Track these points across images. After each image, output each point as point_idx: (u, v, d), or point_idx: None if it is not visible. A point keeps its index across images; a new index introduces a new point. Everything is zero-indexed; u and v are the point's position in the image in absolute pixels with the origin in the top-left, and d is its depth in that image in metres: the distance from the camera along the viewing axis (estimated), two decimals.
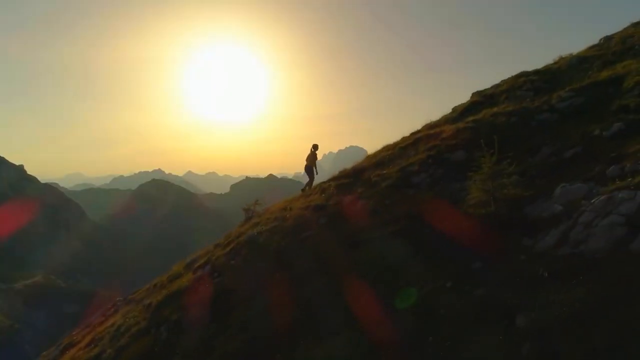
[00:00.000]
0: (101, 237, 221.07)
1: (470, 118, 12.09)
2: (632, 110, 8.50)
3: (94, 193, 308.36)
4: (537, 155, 8.81)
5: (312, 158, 15.19)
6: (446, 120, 14.24)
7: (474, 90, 15.58)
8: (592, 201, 6.23)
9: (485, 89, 15.01)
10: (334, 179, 12.81)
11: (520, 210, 7.05)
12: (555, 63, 14.80)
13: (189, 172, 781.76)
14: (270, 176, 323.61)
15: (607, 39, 14.41)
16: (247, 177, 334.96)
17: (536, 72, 14.07)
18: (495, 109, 11.89)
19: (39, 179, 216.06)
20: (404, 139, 13.87)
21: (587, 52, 14.14)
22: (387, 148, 13.66)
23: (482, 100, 14.05)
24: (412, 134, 14.08)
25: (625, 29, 14.39)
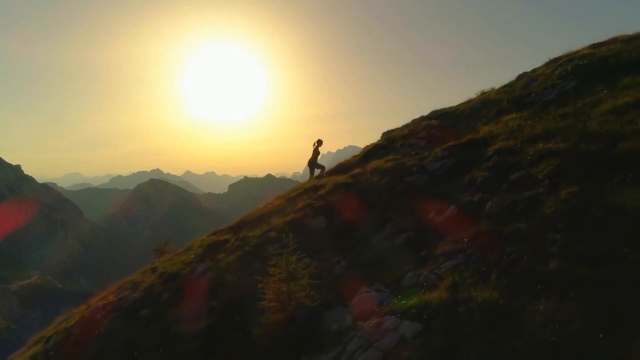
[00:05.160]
0: (99, 237, 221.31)
1: (356, 171, 11.39)
2: (476, 188, 7.76)
3: (92, 193, 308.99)
4: (380, 234, 8.10)
5: (313, 153, 15.42)
6: (350, 163, 13.57)
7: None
8: (366, 324, 5.52)
9: (393, 129, 14.31)
10: (213, 233, 12.13)
11: (318, 318, 6.35)
12: (468, 102, 14.07)
13: (188, 171, 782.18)
14: (269, 176, 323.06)
15: (520, 77, 13.63)
16: (245, 177, 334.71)
17: (442, 114, 13.34)
18: (379, 162, 11.19)
19: (37, 178, 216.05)
20: (300, 185, 13.21)
21: (497, 92, 13.38)
22: (279, 197, 13.01)
23: (385, 144, 13.34)
24: (307, 182, 13.44)
25: (539, 67, 13.60)
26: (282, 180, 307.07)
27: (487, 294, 4.92)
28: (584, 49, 12.91)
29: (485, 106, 12.36)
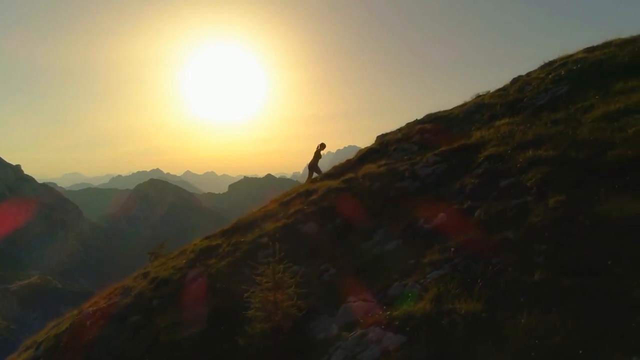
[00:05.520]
0: (99, 237, 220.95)
1: (348, 176, 11.35)
2: (466, 195, 7.72)
3: (92, 193, 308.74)
4: (370, 240, 8.07)
5: (314, 156, 15.63)
6: (344, 166, 13.55)
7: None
8: (350, 335, 5.49)
9: (387, 133, 14.28)
10: (206, 237, 12.10)
11: (304, 327, 6.32)
12: (463, 105, 14.03)
13: (188, 171, 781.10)
14: (269, 176, 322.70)
15: (514, 81, 13.59)
16: (245, 177, 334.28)
17: (436, 118, 13.30)
18: (372, 167, 11.16)
19: (37, 178, 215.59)
20: (294, 189, 13.18)
21: (492, 96, 13.34)
22: (274, 201, 12.97)
23: (379, 148, 13.31)
24: (302, 186, 13.40)
25: (534, 71, 13.55)
26: (282, 180, 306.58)
27: (471, 306, 4.89)
28: (578, 52, 12.86)
29: (479, 110, 12.32)
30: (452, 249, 6.13)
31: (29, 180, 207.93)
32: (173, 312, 8.33)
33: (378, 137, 14.52)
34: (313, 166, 15.60)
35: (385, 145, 13.10)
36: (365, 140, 14.16)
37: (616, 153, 6.52)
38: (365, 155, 13.39)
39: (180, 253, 12.32)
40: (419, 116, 14.75)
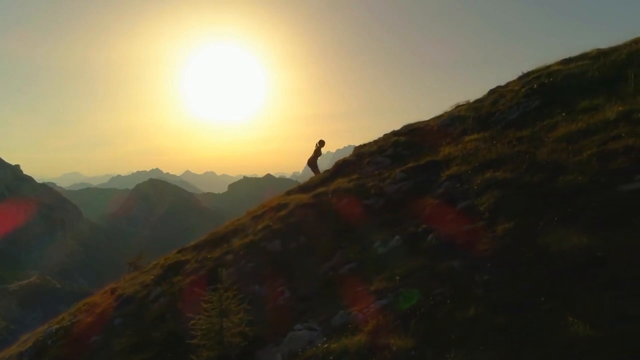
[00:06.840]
0: (98, 237, 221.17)
1: (320, 190, 11.28)
2: (424, 216, 7.65)
3: (91, 192, 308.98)
4: (328, 262, 8.00)
5: (314, 153, 15.86)
6: (321, 178, 13.49)
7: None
8: None
9: (364, 144, 14.20)
10: (179, 251, 12.04)
11: (250, 356, 6.25)
12: (440, 116, 13.95)
13: (187, 171, 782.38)
14: (268, 176, 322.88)
15: (491, 92, 13.51)
16: (244, 176, 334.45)
17: (412, 130, 13.22)
18: (343, 181, 11.09)
19: (36, 178, 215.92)
20: (270, 201, 13.11)
21: (468, 108, 13.25)
22: (249, 212, 12.91)
23: (354, 160, 13.23)
24: (281, 196, 13.33)
25: (511, 82, 13.47)
26: (282, 180, 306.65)
27: (404, 341, 4.81)
28: (554, 64, 12.77)
29: (453, 123, 12.23)
30: (398, 278, 6.05)
31: (28, 180, 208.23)
32: (131, 334, 8.27)
33: (355, 149, 14.46)
34: (312, 163, 15.86)
35: (359, 157, 13.04)
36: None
37: (567, 178, 6.43)
38: (340, 167, 13.33)
39: (152, 267, 12.28)
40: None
